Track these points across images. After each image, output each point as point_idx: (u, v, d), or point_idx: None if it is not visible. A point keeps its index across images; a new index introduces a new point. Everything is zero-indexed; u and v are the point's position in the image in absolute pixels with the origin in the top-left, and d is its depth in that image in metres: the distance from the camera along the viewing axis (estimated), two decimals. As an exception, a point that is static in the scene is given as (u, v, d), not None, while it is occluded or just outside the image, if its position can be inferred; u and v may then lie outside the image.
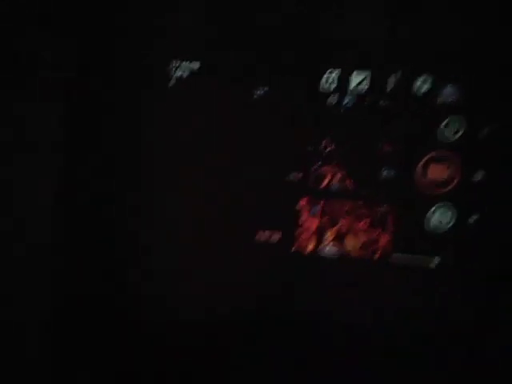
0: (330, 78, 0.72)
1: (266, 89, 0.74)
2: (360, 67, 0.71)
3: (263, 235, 0.76)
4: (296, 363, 0.73)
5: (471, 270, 0.68)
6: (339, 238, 0.73)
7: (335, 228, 0.74)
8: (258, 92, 0.74)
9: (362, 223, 0.73)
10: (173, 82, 0.78)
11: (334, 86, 0.72)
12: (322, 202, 0.74)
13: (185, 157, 0.78)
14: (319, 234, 0.74)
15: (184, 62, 0.77)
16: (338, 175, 0.73)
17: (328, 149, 0.73)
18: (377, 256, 0.72)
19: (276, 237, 0.75)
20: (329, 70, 0.72)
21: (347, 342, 0.71)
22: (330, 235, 0.74)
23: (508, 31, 0.64)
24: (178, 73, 0.77)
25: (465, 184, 0.68)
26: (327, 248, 0.74)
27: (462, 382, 0.67)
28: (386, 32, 0.70)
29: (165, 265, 0.78)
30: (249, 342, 0.75)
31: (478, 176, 0.67)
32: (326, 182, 0.74)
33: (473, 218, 0.68)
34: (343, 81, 0.72)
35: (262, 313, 0.75)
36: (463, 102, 0.67)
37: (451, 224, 0.69)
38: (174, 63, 0.77)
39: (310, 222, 0.74)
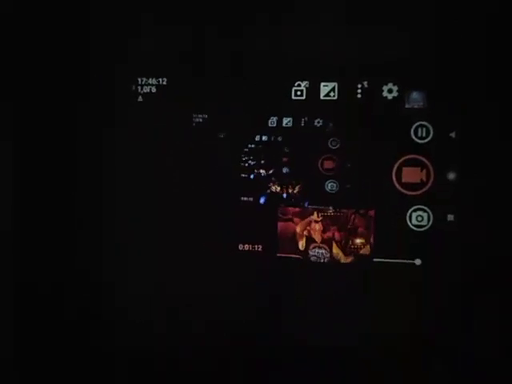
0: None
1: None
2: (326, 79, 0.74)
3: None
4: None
5: (453, 269, 0.69)
6: (322, 245, 0.74)
7: (318, 235, 0.74)
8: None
9: (343, 229, 0.73)
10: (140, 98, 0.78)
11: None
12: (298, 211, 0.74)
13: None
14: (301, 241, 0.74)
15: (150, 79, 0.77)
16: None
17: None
18: (359, 261, 0.73)
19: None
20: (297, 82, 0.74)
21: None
22: (312, 242, 0.74)
23: (467, 39, 0.68)
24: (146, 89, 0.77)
25: (438, 185, 0.70)
26: (311, 254, 0.74)
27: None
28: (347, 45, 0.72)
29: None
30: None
31: (451, 177, 0.69)
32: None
33: (449, 218, 0.70)
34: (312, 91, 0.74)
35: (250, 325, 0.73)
36: (429, 108, 0.70)
37: (429, 225, 0.70)
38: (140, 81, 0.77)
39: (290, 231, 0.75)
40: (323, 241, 0.74)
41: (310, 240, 0.74)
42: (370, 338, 0.69)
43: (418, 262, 0.71)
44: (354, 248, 0.73)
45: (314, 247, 0.74)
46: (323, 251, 0.74)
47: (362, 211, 0.73)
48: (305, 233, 0.74)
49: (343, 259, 0.73)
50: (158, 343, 0.75)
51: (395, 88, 0.71)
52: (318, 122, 0.74)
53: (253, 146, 0.75)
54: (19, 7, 0.70)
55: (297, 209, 0.74)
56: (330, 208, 0.74)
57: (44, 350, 0.75)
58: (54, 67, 0.75)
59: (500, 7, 0.65)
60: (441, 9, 0.67)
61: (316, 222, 0.74)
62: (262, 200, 0.75)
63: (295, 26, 0.72)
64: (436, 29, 0.69)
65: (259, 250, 0.75)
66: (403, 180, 0.71)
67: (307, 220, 0.74)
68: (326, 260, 0.74)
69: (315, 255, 0.74)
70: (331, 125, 0.73)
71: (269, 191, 0.75)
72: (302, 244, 0.74)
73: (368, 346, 0.69)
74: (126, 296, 0.76)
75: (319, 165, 0.74)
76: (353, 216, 0.73)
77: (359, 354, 0.70)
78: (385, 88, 0.71)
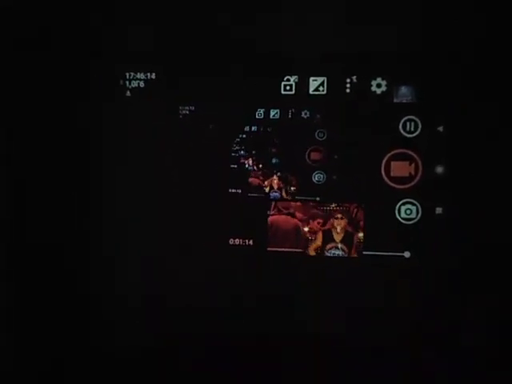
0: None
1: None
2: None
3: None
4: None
5: (442, 261, 0.69)
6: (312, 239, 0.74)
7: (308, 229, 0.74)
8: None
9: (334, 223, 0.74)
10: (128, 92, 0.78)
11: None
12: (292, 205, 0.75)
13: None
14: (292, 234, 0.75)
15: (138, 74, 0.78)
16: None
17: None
18: (349, 254, 0.73)
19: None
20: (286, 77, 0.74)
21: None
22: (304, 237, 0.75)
23: (456, 34, 0.68)
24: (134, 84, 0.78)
25: (427, 179, 0.70)
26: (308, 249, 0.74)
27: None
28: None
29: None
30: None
31: (439, 170, 0.70)
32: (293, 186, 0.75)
33: (438, 211, 0.70)
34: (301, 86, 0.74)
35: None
36: (417, 102, 0.71)
37: (418, 218, 0.71)
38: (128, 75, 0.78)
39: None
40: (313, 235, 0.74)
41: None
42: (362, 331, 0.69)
43: (407, 254, 0.71)
44: (357, 241, 0.73)
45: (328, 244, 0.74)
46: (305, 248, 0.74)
47: (363, 205, 0.73)
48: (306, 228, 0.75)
49: (344, 251, 0.73)
50: (157, 343, 0.75)
51: (384, 83, 0.71)
52: (306, 114, 0.74)
53: (244, 136, 0.76)
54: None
55: (291, 203, 0.75)
56: (317, 199, 0.74)
57: (44, 350, 0.76)
58: (47, 63, 0.76)
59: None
60: (429, 4, 0.68)
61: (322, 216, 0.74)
62: (272, 196, 0.76)
63: (287, 23, 0.72)
64: (425, 24, 0.69)
65: (250, 244, 0.76)
66: (392, 174, 0.71)
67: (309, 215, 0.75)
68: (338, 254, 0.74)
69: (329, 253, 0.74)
70: (318, 116, 0.74)
71: (262, 183, 0.76)
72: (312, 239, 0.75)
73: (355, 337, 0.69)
74: (126, 296, 0.77)
75: (306, 156, 0.74)
76: (355, 210, 0.73)
77: (352, 346, 0.70)
78: (373, 83, 0.72)
